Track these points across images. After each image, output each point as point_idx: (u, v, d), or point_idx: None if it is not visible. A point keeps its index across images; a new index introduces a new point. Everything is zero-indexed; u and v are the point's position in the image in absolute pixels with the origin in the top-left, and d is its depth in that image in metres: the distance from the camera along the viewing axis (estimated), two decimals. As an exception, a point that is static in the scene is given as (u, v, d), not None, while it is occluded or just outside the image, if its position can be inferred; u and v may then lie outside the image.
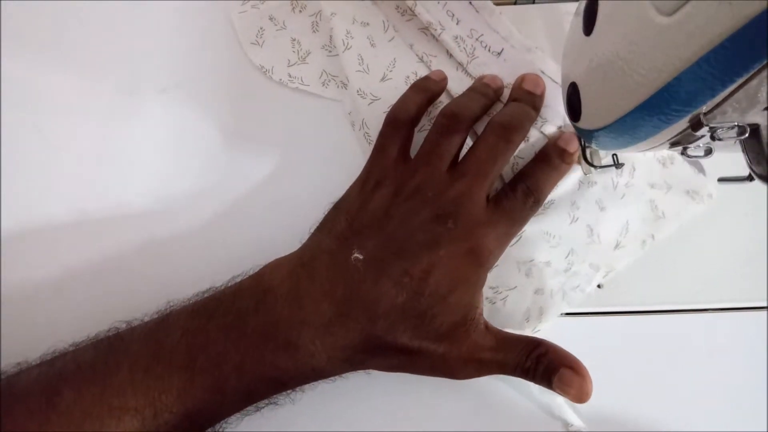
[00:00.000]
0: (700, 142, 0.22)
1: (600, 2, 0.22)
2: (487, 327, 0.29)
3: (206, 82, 0.37)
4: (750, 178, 0.22)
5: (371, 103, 0.34)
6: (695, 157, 0.23)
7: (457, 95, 0.33)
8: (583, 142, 0.33)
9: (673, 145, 0.23)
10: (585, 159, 0.33)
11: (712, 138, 0.20)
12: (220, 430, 0.29)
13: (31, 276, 0.34)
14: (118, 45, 0.37)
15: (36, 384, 0.27)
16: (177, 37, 0.37)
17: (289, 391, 0.29)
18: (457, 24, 0.34)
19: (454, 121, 0.30)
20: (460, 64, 0.35)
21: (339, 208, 0.30)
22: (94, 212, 0.35)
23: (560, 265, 0.32)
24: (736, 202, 0.34)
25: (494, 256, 0.29)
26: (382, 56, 0.34)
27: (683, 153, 0.23)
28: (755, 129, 0.20)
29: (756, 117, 0.19)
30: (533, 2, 0.36)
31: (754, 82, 0.17)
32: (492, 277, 0.31)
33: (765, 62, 0.16)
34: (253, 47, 0.36)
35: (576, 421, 0.32)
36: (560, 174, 0.31)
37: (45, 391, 0.27)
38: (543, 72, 0.33)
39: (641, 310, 0.34)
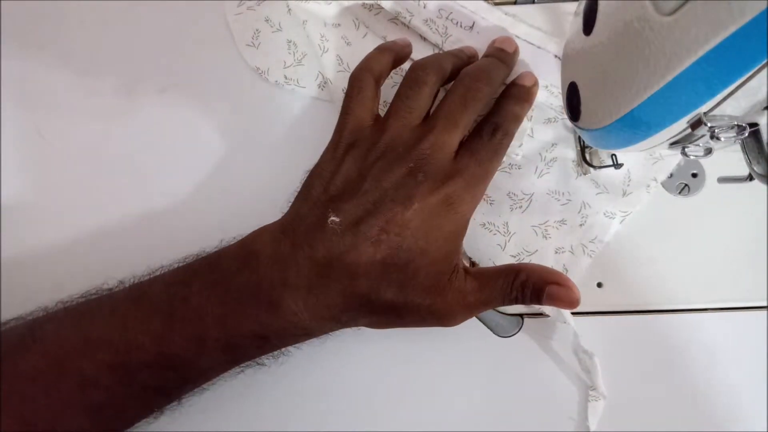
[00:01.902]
0: (700, 142, 0.22)
1: (600, 2, 0.22)
2: (467, 271, 0.30)
3: (205, 83, 0.37)
4: (750, 178, 0.22)
5: None
6: (695, 157, 0.23)
7: None
8: (582, 142, 0.34)
9: (673, 144, 0.23)
10: (584, 159, 0.33)
11: (712, 138, 0.20)
12: (206, 386, 0.31)
13: (32, 274, 0.34)
14: (118, 45, 0.37)
15: (24, 324, 0.30)
16: (176, 37, 0.37)
17: (274, 353, 0.31)
18: (424, 8, 0.34)
19: (423, 73, 0.30)
20: (435, 45, 0.35)
21: (313, 175, 0.31)
22: (94, 212, 0.35)
23: (575, 220, 0.33)
24: (736, 202, 0.34)
25: (468, 200, 0.29)
26: (359, 53, 0.35)
27: (683, 153, 0.23)
28: (755, 129, 0.20)
29: (756, 117, 0.19)
30: (533, 2, 0.36)
31: (754, 82, 0.17)
32: (512, 246, 0.33)
33: (765, 62, 0.16)
34: (248, 49, 0.36)
35: (601, 388, 0.32)
36: (523, 107, 0.32)
37: (29, 326, 0.29)
38: (518, 36, 0.34)
39: (641, 310, 0.34)
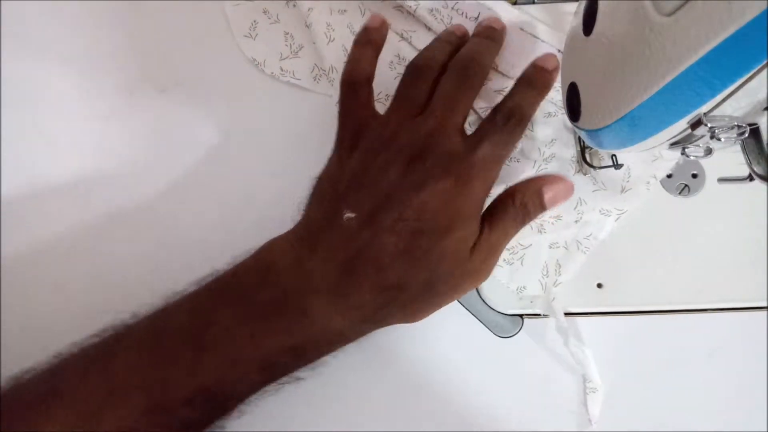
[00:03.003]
0: (700, 142, 0.22)
1: (600, 2, 0.22)
2: (479, 241, 0.29)
3: (206, 81, 0.37)
4: (750, 178, 0.22)
5: None
6: (695, 157, 0.23)
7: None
8: (582, 143, 0.34)
9: (674, 145, 0.23)
10: (584, 160, 0.33)
11: (712, 138, 0.20)
12: (239, 412, 0.29)
13: (32, 274, 0.34)
14: (118, 45, 0.37)
15: (40, 376, 0.28)
16: (176, 37, 0.37)
17: (311, 365, 0.29)
18: None
19: (419, 71, 0.30)
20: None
21: (321, 179, 0.31)
22: (94, 211, 0.35)
23: (570, 216, 0.33)
24: (736, 202, 0.34)
25: (481, 182, 0.29)
26: None
27: (683, 153, 0.23)
28: (755, 129, 0.20)
29: (756, 117, 0.19)
30: (533, 2, 0.36)
31: (754, 82, 0.17)
32: None
33: (765, 62, 0.16)
34: (246, 40, 0.36)
35: (596, 378, 0.32)
36: (541, 93, 0.31)
37: (49, 380, 0.27)
38: (522, 29, 0.34)
39: (641, 310, 0.34)
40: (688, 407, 0.32)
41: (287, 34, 0.36)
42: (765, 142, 0.21)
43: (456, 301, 0.33)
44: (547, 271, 0.33)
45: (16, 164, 0.35)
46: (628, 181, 0.33)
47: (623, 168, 0.33)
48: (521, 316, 0.34)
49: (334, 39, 0.35)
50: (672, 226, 0.34)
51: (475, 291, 0.34)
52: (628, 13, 0.20)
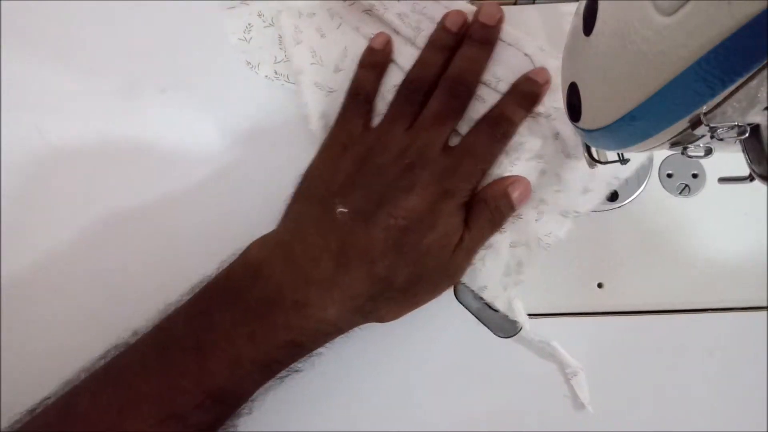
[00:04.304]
0: (700, 142, 0.22)
1: (600, 2, 0.22)
2: (460, 242, 0.31)
3: (206, 81, 0.37)
4: (750, 178, 0.22)
5: (328, 94, 0.35)
6: (695, 157, 0.23)
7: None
8: (585, 141, 0.33)
9: (674, 144, 0.23)
10: (590, 155, 0.33)
11: (712, 138, 0.20)
12: (248, 410, 0.30)
13: (31, 275, 0.34)
14: (118, 45, 0.37)
15: (54, 405, 0.28)
16: (176, 37, 0.37)
17: (307, 356, 0.30)
18: (398, 1, 0.34)
19: (413, 88, 0.33)
20: (408, 39, 0.35)
21: (311, 175, 0.32)
22: (94, 211, 0.35)
23: (531, 215, 0.33)
24: (736, 202, 0.34)
25: (465, 189, 0.31)
26: (333, 46, 0.35)
27: (683, 153, 0.23)
28: (755, 129, 0.20)
29: (756, 117, 0.19)
30: (533, 2, 0.36)
31: (754, 82, 0.17)
32: None
33: (765, 62, 0.16)
34: (240, 43, 0.36)
35: (572, 362, 0.33)
36: (529, 106, 0.32)
37: (62, 409, 0.28)
38: (508, 42, 0.34)
39: (641, 310, 0.34)
40: (688, 407, 0.32)
41: (281, 37, 0.36)
42: (765, 143, 0.21)
43: (456, 301, 0.34)
44: (509, 272, 0.33)
45: (16, 164, 0.35)
46: (591, 182, 0.33)
47: (587, 168, 0.32)
48: (521, 316, 0.34)
49: (301, 41, 0.35)
50: (672, 226, 0.34)
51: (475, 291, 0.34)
52: (628, 13, 0.20)
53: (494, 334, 0.33)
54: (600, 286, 0.34)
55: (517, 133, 0.33)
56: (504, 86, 0.33)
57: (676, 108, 0.20)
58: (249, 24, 0.36)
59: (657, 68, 0.19)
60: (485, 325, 0.33)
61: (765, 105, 0.18)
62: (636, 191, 0.34)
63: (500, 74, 0.33)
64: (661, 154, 0.35)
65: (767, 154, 0.21)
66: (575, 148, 0.33)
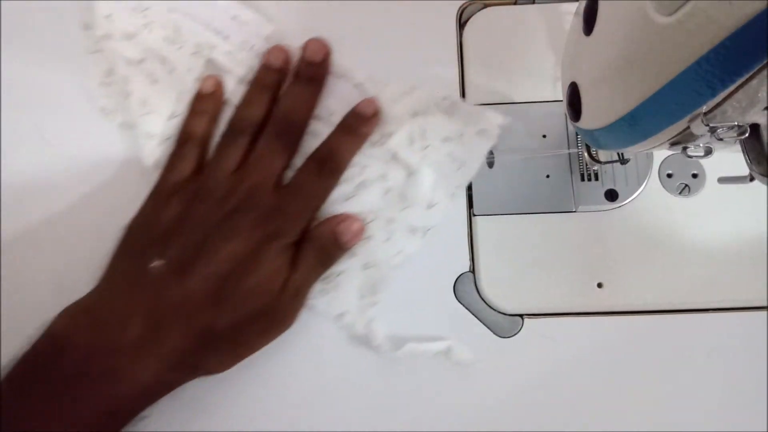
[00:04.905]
0: (700, 142, 0.22)
1: (600, 2, 0.22)
2: (286, 282, 0.30)
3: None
4: (750, 178, 0.22)
5: (162, 142, 0.34)
6: (695, 157, 0.23)
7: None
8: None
9: (674, 144, 0.23)
10: (590, 154, 0.33)
11: (712, 137, 0.20)
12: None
13: (31, 275, 0.34)
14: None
15: None
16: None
17: (137, 418, 0.29)
18: (225, 40, 0.34)
19: (237, 132, 0.32)
20: (240, 78, 0.35)
21: (132, 228, 0.31)
22: (94, 211, 0.35)
23: (381, 236, 0.33)
24: (736, 202, 0.34)
25: (292, 230, 0.30)
26: (167, 91, 0.34)
27: (683, 152, 0.23)
28: (755, 129, 0.20)
29: (756, 117, 0.19)
30: (533, 2, 0.36)
31: (754, 82, 0.17)
32: None
33: (765, 62, 0.16)
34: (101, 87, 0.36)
35: (378, 337, 0.32)
36: (359, 139, 0.32)
37: None
38: (343, 75, 0.35)
39: (641, 310, 0.34)
40: (688, 407, 0.32)
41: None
42: (765, 142, 0.21)
43: (456, 301, 0.34)
44: (363, 295, 0.33)
45: (16, 164, 0.35)
46: (434, 194, 0.33)
47: (429, 181, 0.33)
48: (521, 316, 0.34)
49: (132, 92, 0.35)
50: (672, 226, 0.34)
51: (475, 291, 0.34)
52: (628, 13, 0.20)
53: (494, 334, 0.33)
54: (600, 285, 0.34)
55: (356, 159, 0.33)
56: (337, 119, 0.33)
57: (676, 108, 0.20)
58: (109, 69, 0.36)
59: (657, 68, 0.19)
60: (485, 325, 0.33)
61: (765, 105, 0.18)
62: (636, 191, 0.34)
63: (333, 107, 0.34)
64: (661, 154, 0.35)
65: (767, 154, 0.21)
66: (416, 166, 0.33)
